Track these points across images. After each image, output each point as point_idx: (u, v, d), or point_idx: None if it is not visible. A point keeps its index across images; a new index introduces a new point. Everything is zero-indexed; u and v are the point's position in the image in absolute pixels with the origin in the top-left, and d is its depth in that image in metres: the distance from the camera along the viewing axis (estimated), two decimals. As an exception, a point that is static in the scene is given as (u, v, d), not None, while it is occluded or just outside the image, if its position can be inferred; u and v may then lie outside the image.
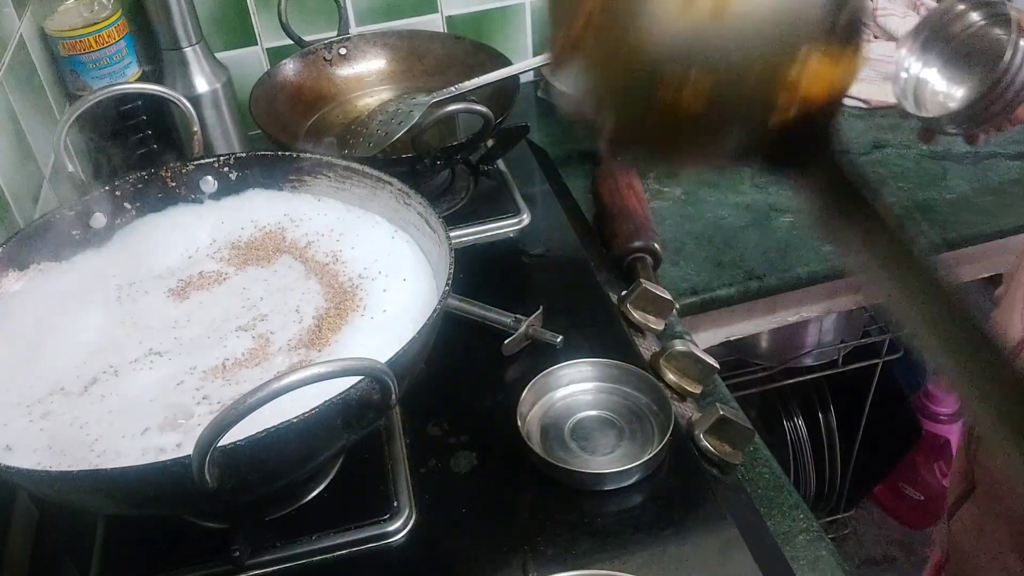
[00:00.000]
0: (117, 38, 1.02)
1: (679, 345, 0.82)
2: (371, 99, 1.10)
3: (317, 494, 0.69)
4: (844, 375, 1.47)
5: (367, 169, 0.76)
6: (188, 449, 0.49)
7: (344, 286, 0.71)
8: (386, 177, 0.75)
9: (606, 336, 0.83)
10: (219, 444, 0.48)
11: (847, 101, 1.27)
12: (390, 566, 0.65)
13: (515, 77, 0.97)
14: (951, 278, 0.33)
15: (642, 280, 0.88)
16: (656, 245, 0.96)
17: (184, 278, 0.73)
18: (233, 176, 0.79)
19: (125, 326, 0.69)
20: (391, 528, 0.66)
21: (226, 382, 0.62)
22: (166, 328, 0.69)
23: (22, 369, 0.65)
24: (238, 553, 0.62)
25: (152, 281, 0.73)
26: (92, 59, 1.01)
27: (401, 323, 0.66)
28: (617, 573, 0.60)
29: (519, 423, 0.72)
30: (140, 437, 0.58)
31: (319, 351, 0.64)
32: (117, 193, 0.76)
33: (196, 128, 0.80)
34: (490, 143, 1.00)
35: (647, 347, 0.85)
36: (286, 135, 0.99)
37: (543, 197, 1.05)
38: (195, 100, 1.05)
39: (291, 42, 1.10)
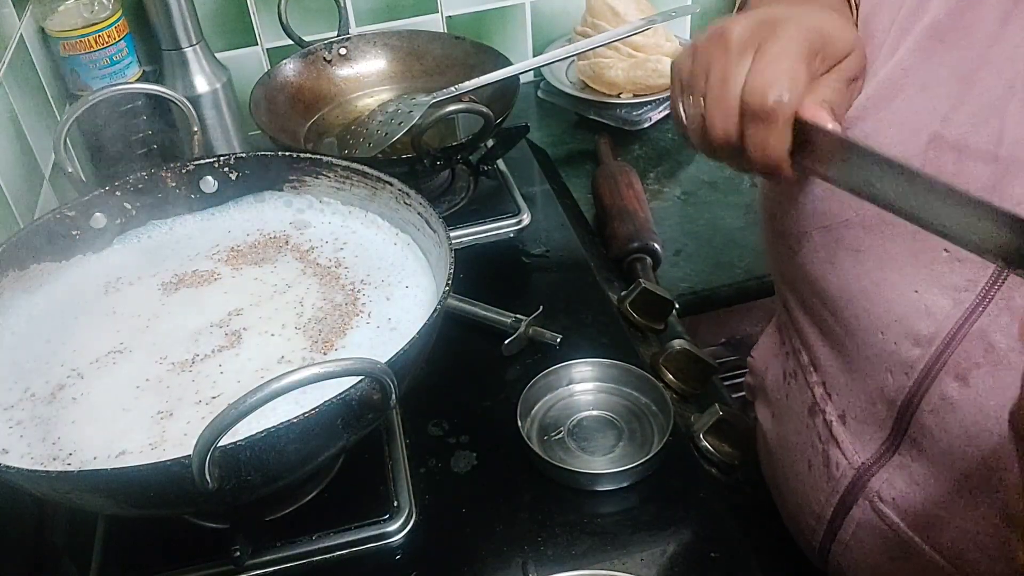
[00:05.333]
0: (117, 38, 1.02)
1: (679, 345, 0.82)
2: (371, 99, 1.10)
3: (317, 494, 0.69)
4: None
5: (367, 169, 0.76)
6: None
7: (346, 290, 0.71)
8: (386, 177, 0.75)
9: (606, 336, 0.83)
10: (219, 444, 0.48)
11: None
12: (390, 566, 0.65)
13: (515, 77, 0.97)
14: None
15: (642, 280, 0.88)
16: (656, 245, 0.96)
17: (181, 275, 0.74)
18: (233, 176, 0.79)
19: (116, 321, 0.70)
20: (391, 528, 0.66)
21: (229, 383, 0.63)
22: (158, 327, 0.69)
23: (10, 372, 0.65)
24: (238, 553, 0.62)
25: (148, 280, 0.74)
26: (92, 59, 1.01)
27: (402, 325, 0.66)
28: (617, 573, 0.60)
29: (519, 423, 0.72)
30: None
31: (323, 355, 0.64)
32: (117, 193, 0.76)
33: (196, 128, 0.80)
34: (490, 143, 1.00)
35: (647, 347, 0.85)
36: (286, 135, 0.99)
37: (543, 197, 1.05)
38: (195, 100, 1.05)
39: (291, 42, 1.10)
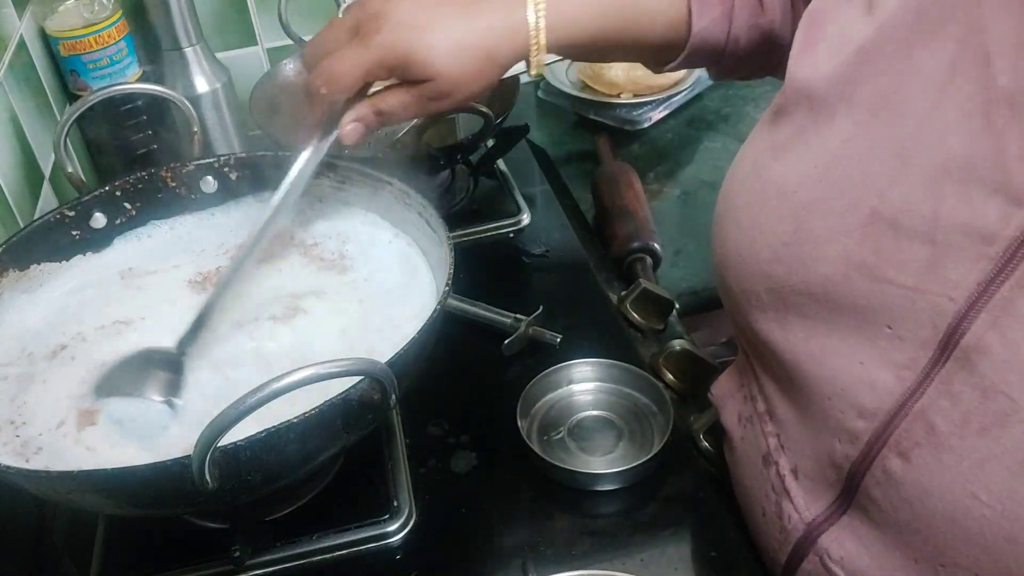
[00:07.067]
0: (117, 38, 1.02)
1: (679, 345, 0.82)
2: (371, 99, 1.10)
3: (317, 494, 0.69)
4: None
5: (367, 169, 0.76)
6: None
7: (346, 289, 0.71)
8: (386, 177, 0.75)
9: (606, 336, 0.83)
10: (219, 444, 0.48)
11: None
12: (390, 566, 0.65)
13: (515, 77, 0.97)
14: None
15: (642, 280, 0.88)
16: (656, 245, 0.96)
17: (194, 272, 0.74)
18: (233, 176, 0.79)
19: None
20: (391, 528, 0.66)
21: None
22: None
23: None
24: (238, 553, 0.62)
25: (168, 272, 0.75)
26: (92, 59, 1.01)
27: (403, 325, 0.66)
28: (617, 573, 0.60)
29: (519, 423, 0.72)
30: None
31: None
32: (117, 193, 0.76)
33: (196, 128, 0.80)
34: (490, 143, 1.00)
35: (647, 347, 0.85)
36: (286, 135, 0.99)
37: (543, 197, 1.05)
38: (195, 100, 1.05)
39: (291, 42, 1.10)
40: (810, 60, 0.55)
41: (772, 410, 0.60)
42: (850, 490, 0.53)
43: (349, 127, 0.67)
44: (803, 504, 0.57)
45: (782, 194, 0.54)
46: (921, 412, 0.47)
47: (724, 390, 0.68)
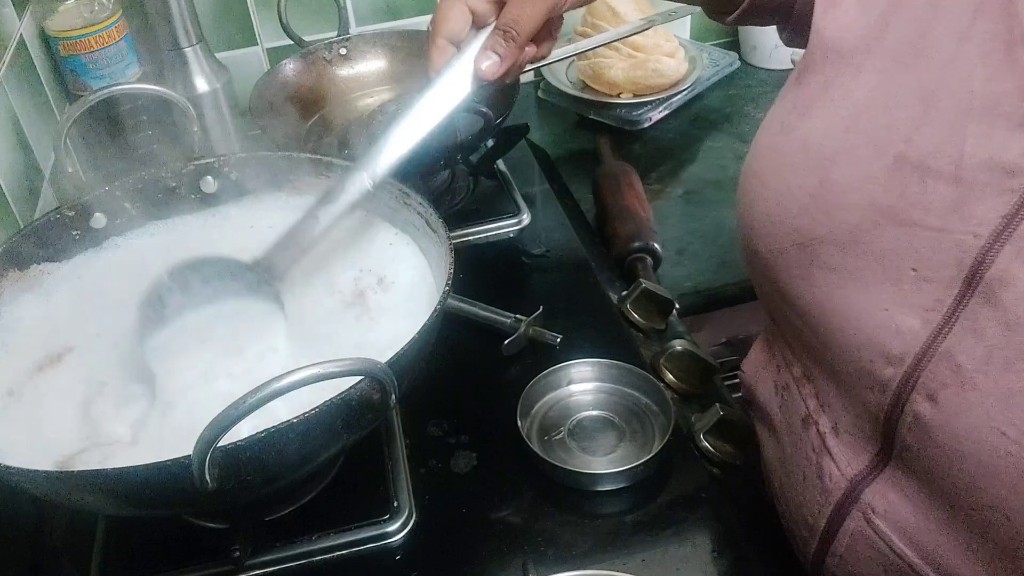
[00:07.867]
0: (117, 38, 1.02)
1: (679, 345, 0.82)
2: (371, 99, 1.10)
3: (317, 494, 0.69)
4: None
5: (367, 169, 0.75)
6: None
7: (347, 288, 0.71)
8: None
9: (606, 336, 0.83)
10: (219, 444, 0.48)
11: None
12: (390, 566, 0.65)
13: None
14: None
15: (642, 280, 0.88)
16: (656, 245, 0.96)
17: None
18: (233, 176, 0.79)
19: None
20: (391, 528, 0.66)
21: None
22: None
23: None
24: (238, 553, 0.62)
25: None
26: (92, 59, 1.01)
27: (402, 325, 0.66)
28: (617, 573, 0.60)
29: (519, 423, 0.72)
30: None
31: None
32: (117, 193, 0.76)
33: (196, 128, 0.80)
34: (490, 143, 1.00)
35: (648, 347, 0.85)
36: (286, 135, 0.99)
37: (543, 197, 1.05)
38: (195, 100, 1.05)
39: (291, 42, 1.10)
40: (836, 15, 0.56)
41: (808, 372, 0.60)
42: (888, 441, 0.53)
43: (484, 64, 0.66)
44: (844, 460, 0.57)
45: (807, 148, 0.55)
46: (947, 352, 0.47)
47: (755, 365, 0.69)
